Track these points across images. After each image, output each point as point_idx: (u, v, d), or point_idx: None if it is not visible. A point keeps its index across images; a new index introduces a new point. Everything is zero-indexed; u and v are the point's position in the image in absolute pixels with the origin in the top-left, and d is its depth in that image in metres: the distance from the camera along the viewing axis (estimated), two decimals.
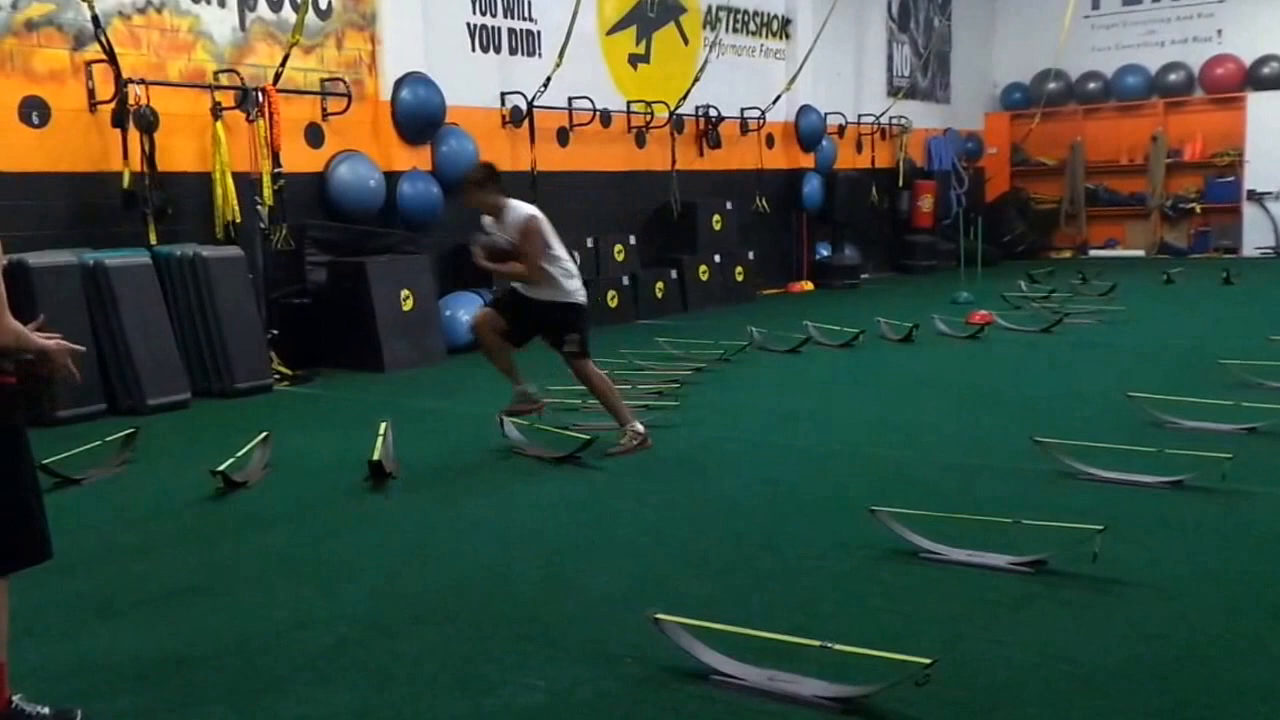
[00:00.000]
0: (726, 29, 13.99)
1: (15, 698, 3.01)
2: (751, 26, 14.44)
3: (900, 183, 16.70)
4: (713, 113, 13.43)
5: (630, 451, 5.95)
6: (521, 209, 6.18)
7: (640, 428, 6.09)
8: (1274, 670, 3.20)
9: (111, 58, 7.86)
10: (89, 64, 7.94)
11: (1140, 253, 18.30)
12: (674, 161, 12.86)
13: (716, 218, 13.08)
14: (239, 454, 5.69)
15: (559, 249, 6.18)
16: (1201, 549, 4.27)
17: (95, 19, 7.71)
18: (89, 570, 4.31)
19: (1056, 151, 18.89)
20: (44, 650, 3.51)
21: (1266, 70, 17.57)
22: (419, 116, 9.92)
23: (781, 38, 14.88)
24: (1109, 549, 3.89)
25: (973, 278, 13.37)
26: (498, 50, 11.08)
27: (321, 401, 8.00)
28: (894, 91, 17.22)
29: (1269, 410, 6.18)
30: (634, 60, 12.71)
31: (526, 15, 11.34)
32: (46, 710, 3.02)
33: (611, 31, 12.40)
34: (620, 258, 11.77)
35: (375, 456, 5.55)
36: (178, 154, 8.42)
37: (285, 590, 4.12)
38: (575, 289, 6.19)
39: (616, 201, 12.30)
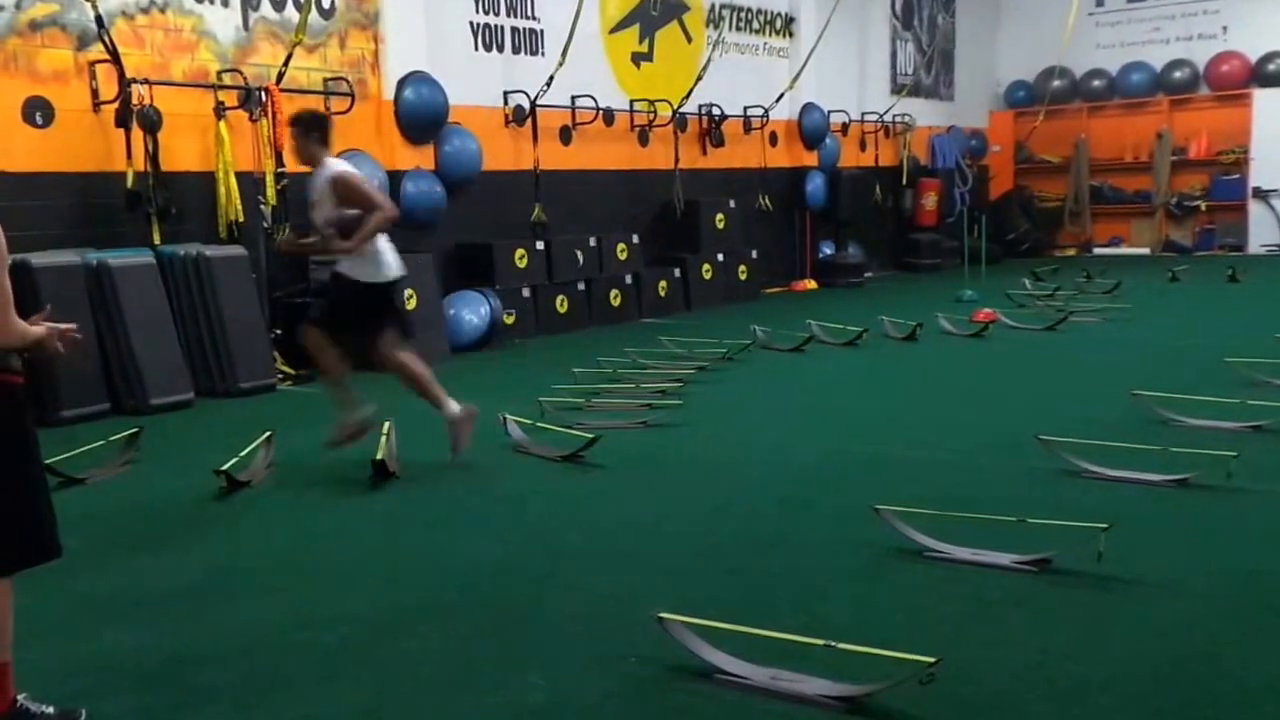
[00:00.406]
0: (730, 27, 13.97)
1: (20, 697, 3.01)
2: (755, 24, 14.42)
3: (904, 181, 16.67)
4: (716, 111, 13.41)
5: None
6: (334, 165, 5.73)
7: (367, 412, 5.77)
8: None
9: (115, 58, 7.86)
10: (93, 64, 7.94)
11: (1145, 251, 18.25)
12: (677, 160, 12.84)
13: (719, 216, 13.06)
14: (242, 453, 5.69)
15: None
16: (1207, 547, 4.26)
17: (99, 19, 7.72)
18: (92, 570, 4.31)
19: (1061, 149, 18.84)
20: (48, 649, 3.51)
21: (1272, 67, 17.51)
22: (422, 116, 9.92)
23: (785, 35, 14.86)
24: (1113, 548, 3.88)
25: (977, 276, 13.35)
26: (501, 49, 11.08)
27: (324, 401, 7.96)
28: (898, 89, 17.18)
29: (1274, 408, 6.16)
30: (637, 59, 12.69)
31: (529, 14, 11.33)
32: (51, 710, 3.03)
33: (614, 30, 12.39)
34: (623, 256, 11.75)
35: (378, 456, 5.55)
36: (181, 154, 8.42)
37: (289, 590, 4.12)
38: (381, 268, 5.72)
39: (619, 200, 12.28)
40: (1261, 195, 17.46)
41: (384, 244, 5.77)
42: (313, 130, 5.74)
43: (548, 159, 11.34)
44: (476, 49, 10.83)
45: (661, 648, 3.33)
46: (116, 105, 7.94)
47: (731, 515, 4.87)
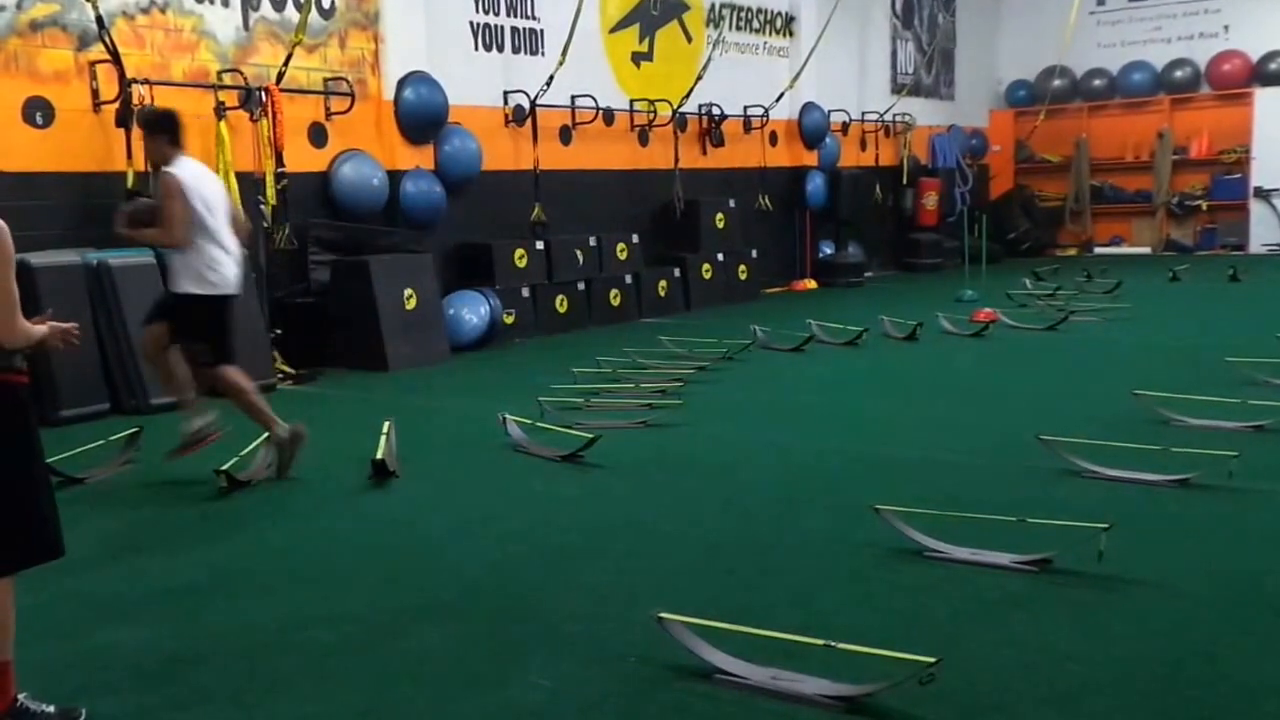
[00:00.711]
0: (730, 26, 13.96)
1: (20, 696, 3.02)
2: (755, 24, 14.42)
3: (904, 180, 16.66)
4: (716, 111, 13.41)
5: (288, 453, 5.55)
6: (176, 167, 5.37)
7: (284, 431, 5.54)
8: None
9: (115, 58, 7.86)
10: (93, 64, 7.94)
11: (1146, 250, 18.25)
12: (677, 160, 12.84)
13: (719, 216, 13.06)
14: (242, 453, 5.69)
15: (212, 222, 5.41)
16: (1207, 547, 4.26)
17: (99, 19, 7.72)
18: (92, 569, 4.31)
19: (1061, 149, 18.84)
20: (48, 648, 3.51)
21: (1274, 66, 17.50)
22: (422, 116, 9.91)
23: (785, 35, 14.85)
24: (1114, 548, 3.88)
25: (977, 276, 13.34)
26: (500, 49, 11.07)
27: (325, 401, 7.99)
28: (898, 88, 17.18)
29: (1276, 408, 6.16)
30: (637, 58, 12.69)
31: (529, 13, 11.33)
32: (51, 709, 3.03)
33: (614, 29, 12.38)
34: (623, 256, 11.75)
35: (378, 455, 5.55)
36: None
37: (288, 589, 4.12)
38: (215, 280, 5.44)
39: (619, 200, 12.28)
40: (1263, 194, 17.46)
41: (222, 257, 5.49)
42: (158, 131, 5.46)
43: (548, 159, 11.33)
44: (476, 49, 10.83)
45: (661, 648, 3.33)
46: (117, 105, 7.94)
47: (731, 515, 4.87)
